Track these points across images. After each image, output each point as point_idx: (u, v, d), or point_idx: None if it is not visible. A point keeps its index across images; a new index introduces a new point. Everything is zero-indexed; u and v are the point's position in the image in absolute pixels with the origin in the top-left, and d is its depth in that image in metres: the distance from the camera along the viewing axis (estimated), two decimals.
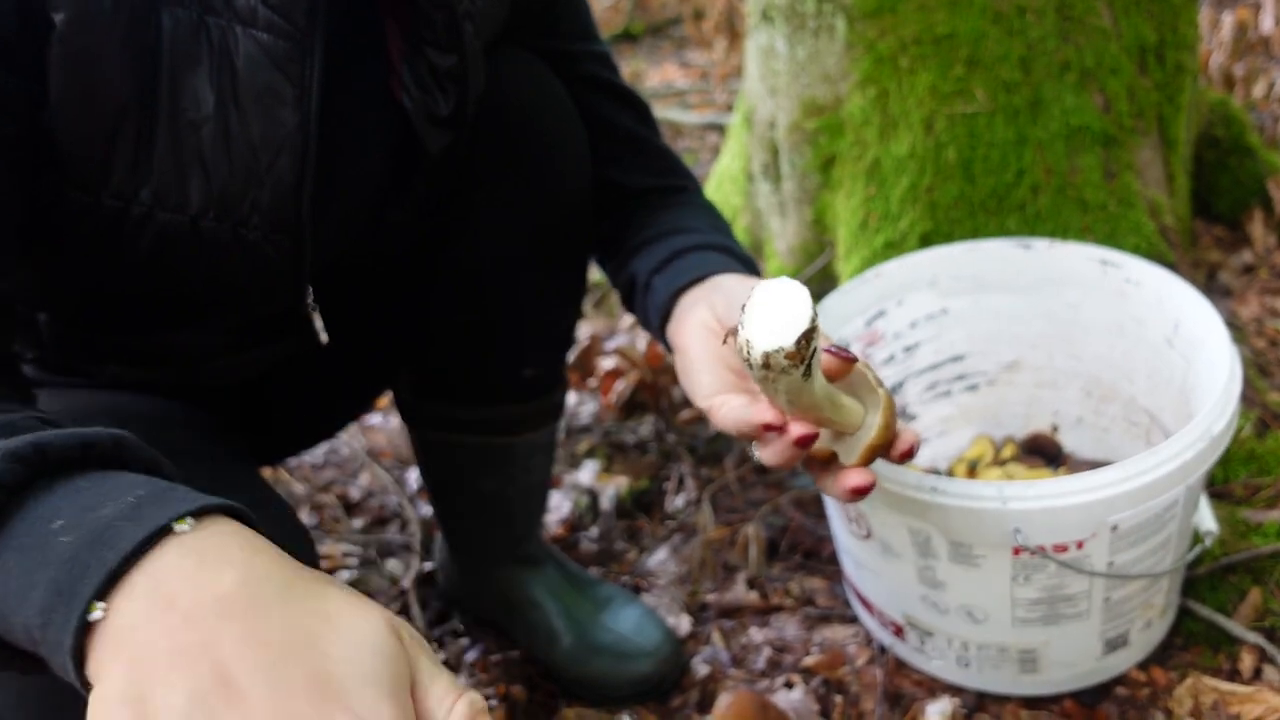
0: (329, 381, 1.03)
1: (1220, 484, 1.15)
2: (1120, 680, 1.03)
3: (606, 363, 1.56)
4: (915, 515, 0.91)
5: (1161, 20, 1.40)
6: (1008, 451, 1.25)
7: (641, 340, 1.65)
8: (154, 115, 0.65)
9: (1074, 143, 1.36)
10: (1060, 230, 1.33)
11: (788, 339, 0.56)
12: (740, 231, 1.75)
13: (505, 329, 0.98)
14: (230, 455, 0.85)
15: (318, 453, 1.58)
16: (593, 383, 1.57)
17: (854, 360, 0.65)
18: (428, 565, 1.31)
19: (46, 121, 0.63)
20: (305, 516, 1.45)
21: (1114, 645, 1.00)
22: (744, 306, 0.58)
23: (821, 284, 1.57)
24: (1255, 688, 0.99)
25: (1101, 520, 0.88)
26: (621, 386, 1.51)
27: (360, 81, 0.78)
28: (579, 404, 1.57)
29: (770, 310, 0.58)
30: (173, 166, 0.66)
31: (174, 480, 0.52)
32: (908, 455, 0.68)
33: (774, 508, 1.31)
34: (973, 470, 1.24)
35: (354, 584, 1.31)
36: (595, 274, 1.59)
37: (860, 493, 0.67)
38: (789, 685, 1.09)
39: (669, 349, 0.83)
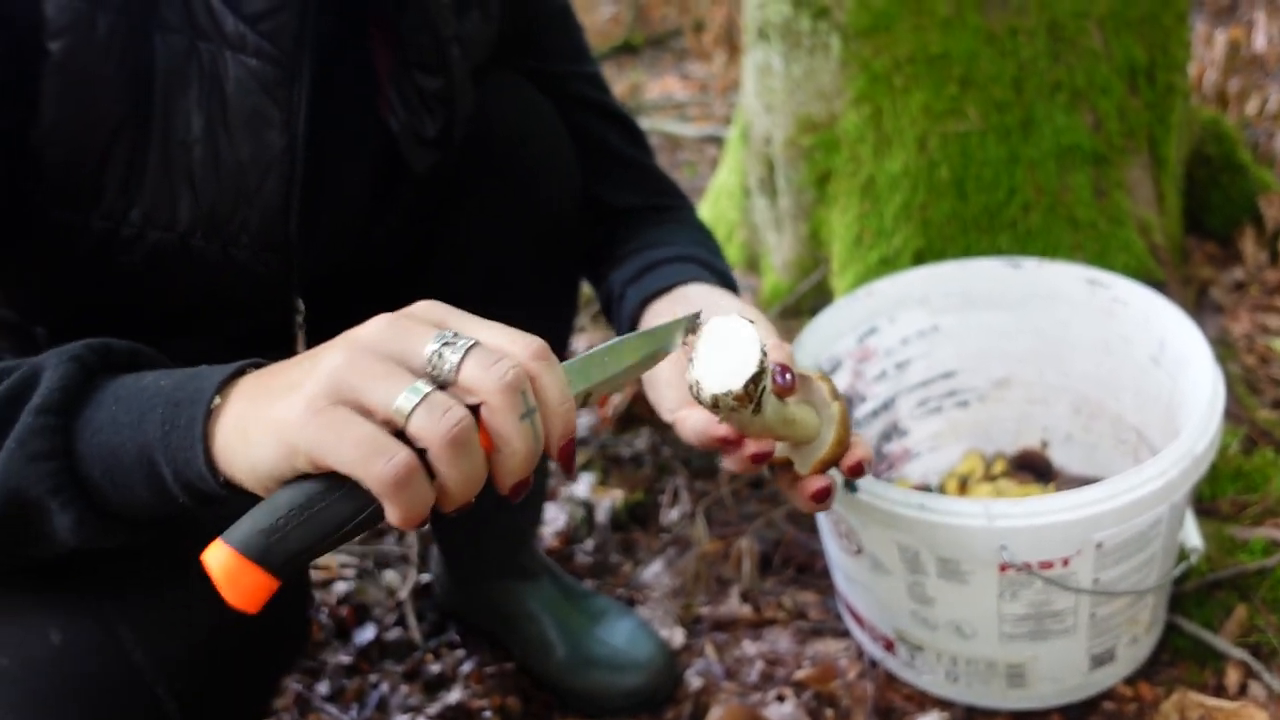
0: None
1: (1207, 501, 1.17)
2: (1107, 695, 1.04)
3: None
4: (904, 532, 0.92)
5: (1152, 41, 1.42)
6: (998, 467, 1.26)
7: None
8: (146, 137, 0.66)
9: (1065, 162, 1.37)
10: (1051, 248, 1.35)
11: (735, 383, 0.57)
12: (737, 246, 1.77)
13: None
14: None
15: None
16: None
17: (793, 389, 0.65)
18: (424, 577, 1.32)
19: (36, 145, 0.64)
20: None
21: (1101, 661, 1.01)
22: (695, 343, 0.60)
23: (816, 298, 1.59)
24: (1241, 703, 1.00)
25: (1086, 538, 0.89)
26: (617, 400, 1.52)
27: (348, 103, 0.80)
28: None
29: (720, 351, 0.59)
30: (163, 186, 0.68)
31: None
32: (857, 470, 0.69)
33: (768, 522, 1.32)
34: (964, 485, 1.25)
35: (350, 595, 1.32)
36: (589, 288, 1.60)
37: (820, 498, 0.69)
38: (781, 698, 1.10)
39: None
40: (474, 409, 0.49)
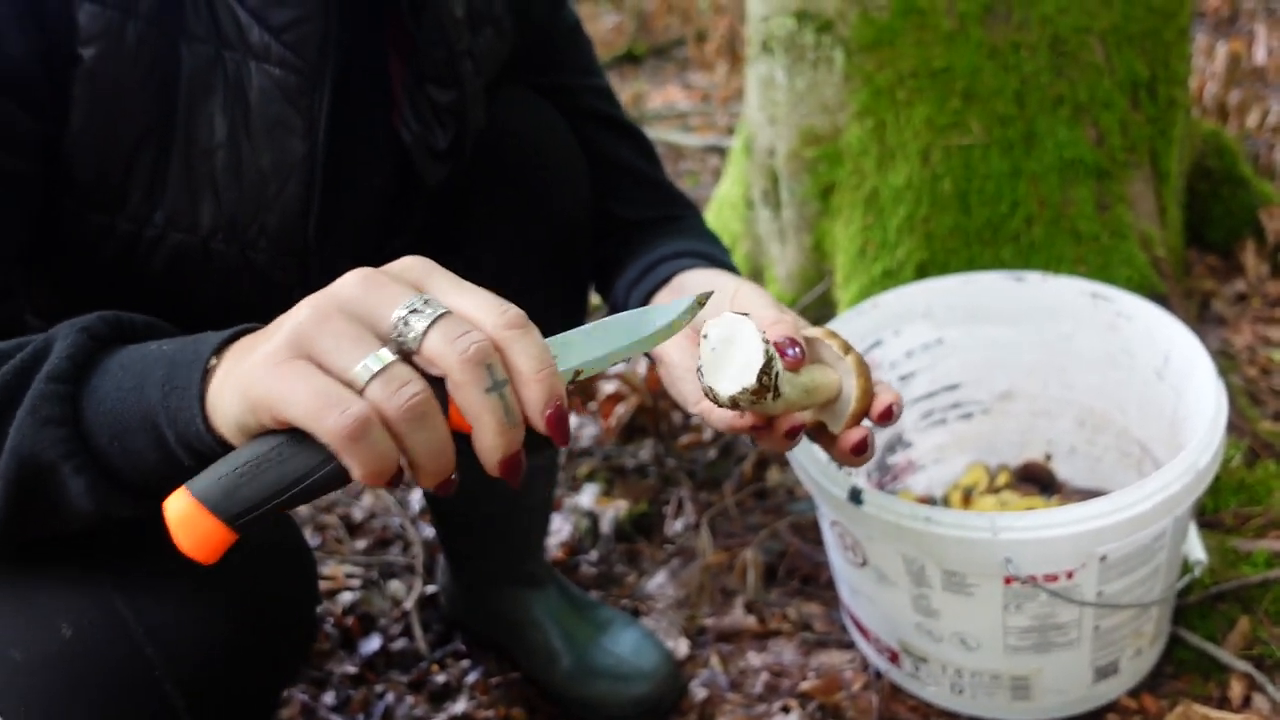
0: None
1: (1210, 513, 1.17)
2: (1111, 707, 1.05)
3: (607, 387, 1.58)
4: (910, 544, 0.93)
5: (1154, 56, 1.43)
6: (1002, 479, 1.27)
7: (642, 365, 1.67)
8: (170, 143, 0.68)
9: (1067, 175, 1.38)
10: (1054, 261, 1.36)
11: (748, 380, 0.59)
12: (740, 257, 1.78)
13: None
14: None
15: None
16: (593, 406, 1.60)
17: (804, 359, 0.65)
18: (430, 587, 1.33)
19: (66, 150, 0.66)
20: (308, 537, 1.47)
21: (1105, 673, 1.02)
22: (700, 353, 0.60)
23: (820, 310, 1.59)
24: (1245, 715, 1.00)
25: (1090, 551, 0.90)
26: (622, 411, 1.53)
27: (365, 114, 0.81)
28: (580, 427, 1.59)
29: (725, 351, 0.60)
30: (186, 190, 0.70)
31: None
32: (887, 415, 0.68)
33: (772, 533, 1.33)
34: (968, 497, 1.26)
35: (356, 605, 1.33)
36: (596, 299, 1.61)
37: (860, 450, 0.68)
38: (786, 710, 1.10)
39: (651, 359, 0.85)
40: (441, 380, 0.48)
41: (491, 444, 0.49)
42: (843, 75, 1.47)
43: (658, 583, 1.31)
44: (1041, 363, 1.22)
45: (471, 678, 1.21)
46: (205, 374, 0.51)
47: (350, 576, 1.38)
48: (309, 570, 0.76)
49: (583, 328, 0.55)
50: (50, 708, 0.62)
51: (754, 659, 1.18)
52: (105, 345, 0.56)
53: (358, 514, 1.51)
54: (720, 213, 1.85)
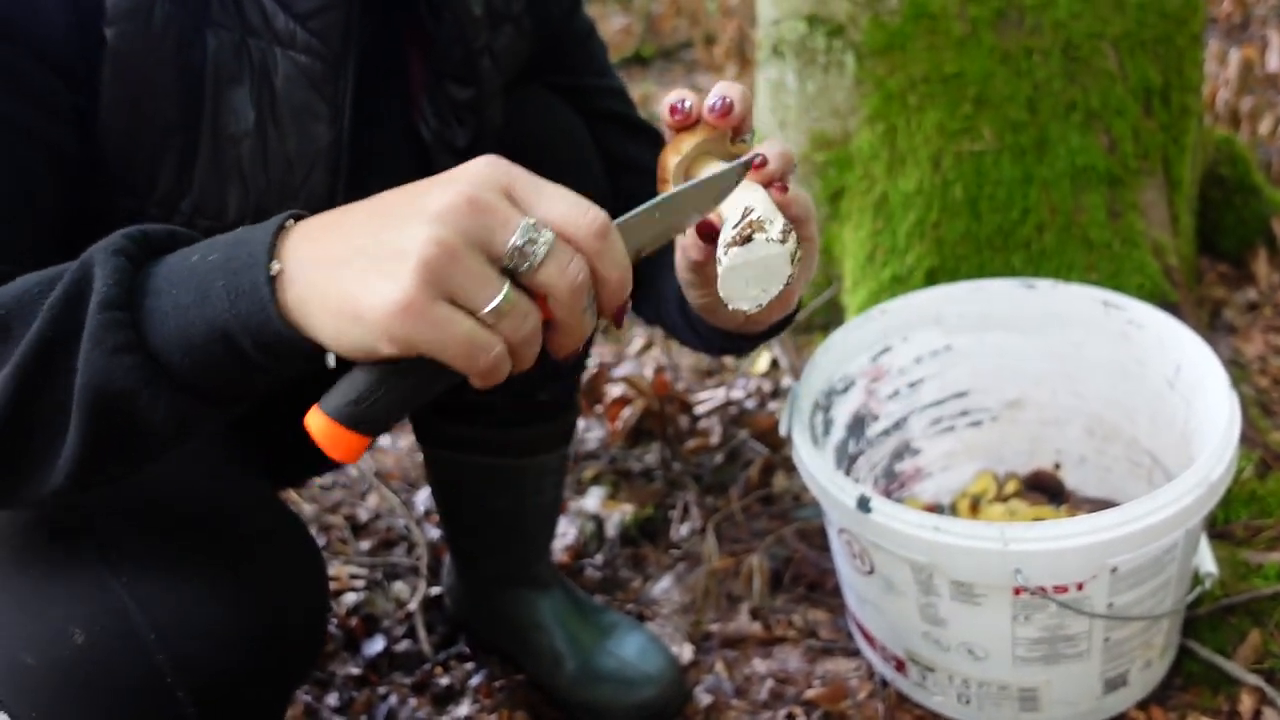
0: None
1: (1221, 525, 1.16)
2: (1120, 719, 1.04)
3: (614, 390, 1.58)
4: (918, 553, 0.92)
5: (1167, 63, 1.42)
6: (1011, 487, 1.26)
7: (649, 368, 1.66)
8: (197, 130, 0.68)
9: (1079, 182, 1.37)
10: (1065, 268, 1.35)
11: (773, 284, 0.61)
12: None
13: None
14: (248, 473, 0.87)
15: (326, 474, 1.59)
16: (600, 409, 1.59)
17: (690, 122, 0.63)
18: (434, 589, 1.32)
19: (99, 132, 0.66)
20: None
21: (1114, 685, 1.01)
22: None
23: (828, 315, 1.59)
24: None
25: (1101, 562, 0.89)
26: (628, 414, 1.52)
27: (385, 106, 0.81)
28: (586, 430, 1.58)
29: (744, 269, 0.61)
30: (213, 177, 0.70)
31: None
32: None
33: (778, 539, 1.32)
34: (976, 506, 1.25)
35: (360, 606, 1.32)
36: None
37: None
38: (791, 717, 1.10)
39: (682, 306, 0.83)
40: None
41: (573, 341, 0.55)
42: (854, 80, 1.46)
43: (663, 588, 1.30)
44: (1051, 371, 1.22)
45: (475, 680, 1.20)
46: (272, 276, 0.51)
47: (354, 577, 1.37)
48: (320, 576, 0.76)
49: (639, 208, 0.58)
50: (61, 713, 0.62)
51: (759, 665, 1.17)
52: (141, 264, 0.55)
53: (363, 514, 1.51)
54: None
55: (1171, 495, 0.88)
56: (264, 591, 0.68)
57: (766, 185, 0.63)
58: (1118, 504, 1.13)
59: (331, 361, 0.53)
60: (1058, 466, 1.27)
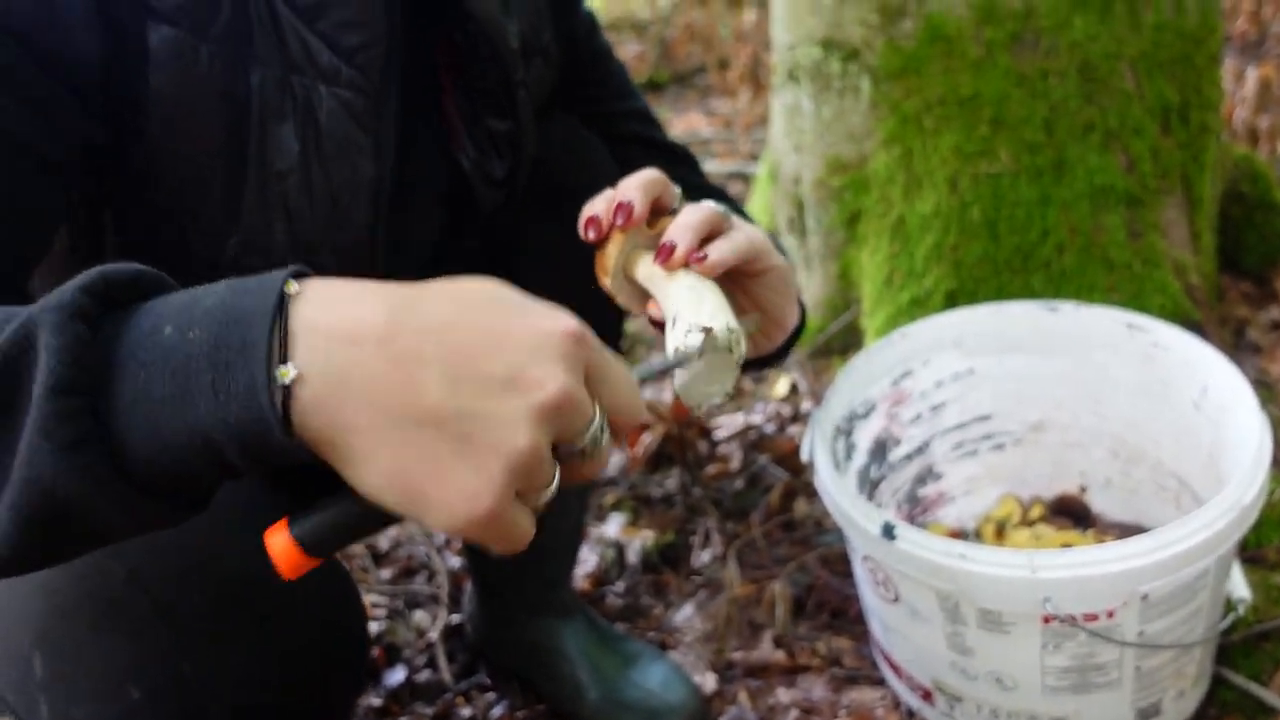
0: None
1: (1253, 549, 1.14)
2: None
3: None
4: (944, 581, 0.91)
5: (1185, 81, 1.42)
6: (1035, 512, 1.25)
7: (668, 393, 1.66)
8: (243, 167, 0.69)
9: (1098, 202, 1.37)
10: (1085, 290, 1.34)
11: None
12: None
13: None
14: (272, 505, 0.88)
15: None
16: None
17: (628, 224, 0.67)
18: (455, 617, 1.32)
19: (150, 173, 0.67)
20: None
21: (1147, 715, 0.99)
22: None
23: (847, 338, 1.58)
24: None
25: (1132, 589, 0.88)
26: (648, 439, 1.52)
27: (421, 138, 0.83)
28: None
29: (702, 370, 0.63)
30: (260, 214, 0.70)
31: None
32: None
33: (800, 565, 1.31)
34: (1001, 530, 1.24)
35: (381, 635, 1.32)
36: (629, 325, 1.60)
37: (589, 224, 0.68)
38: None
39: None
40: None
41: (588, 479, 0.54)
42: (869, 103, 1.47)
43: (685, 615, 1.29)
44: (1074, 393, 1.21)
45: (497, 711, 1.19)
46: (285, 388, 0.44)
47: (376, 606, 1.37)
48: (361, 622, 0.76)
49: (650, 371, 0.59)
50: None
51: (783, 695, 1.16)
52: (99, 327, 0.46)
53: (383, 543, 1.50)
54: None
55: (1203, 520, 0.87)
56: (311, 644, 0.68)
57: (686, 265, 0.65)
58: (1144, 527, 1.12)
59: None
60: (1083, 490, 1.25)
